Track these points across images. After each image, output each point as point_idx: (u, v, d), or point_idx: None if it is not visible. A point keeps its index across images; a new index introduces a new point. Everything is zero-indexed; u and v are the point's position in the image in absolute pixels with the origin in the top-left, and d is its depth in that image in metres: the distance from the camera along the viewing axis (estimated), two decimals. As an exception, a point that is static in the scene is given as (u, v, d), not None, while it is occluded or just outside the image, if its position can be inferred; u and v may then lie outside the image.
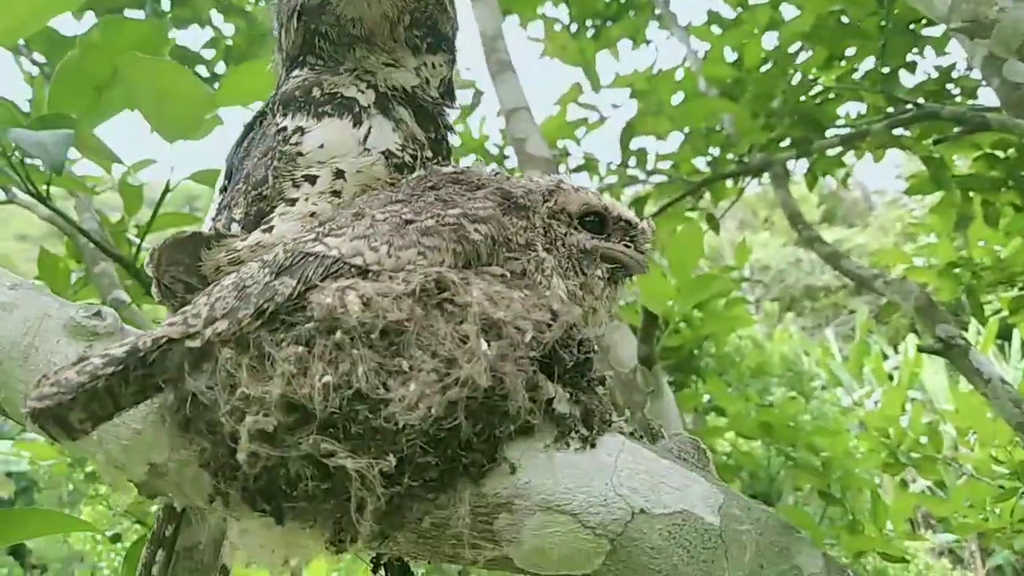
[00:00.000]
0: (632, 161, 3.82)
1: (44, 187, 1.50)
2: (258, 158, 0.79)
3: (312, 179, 0.76)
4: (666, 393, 1.98)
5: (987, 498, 3.87)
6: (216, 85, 3.89)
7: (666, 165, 4.03)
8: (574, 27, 4.26)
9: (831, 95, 3.39)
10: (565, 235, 0.74)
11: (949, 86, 3.83)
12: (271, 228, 0.73)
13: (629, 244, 0.78)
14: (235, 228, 0.76)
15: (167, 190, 1.50)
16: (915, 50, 3.60)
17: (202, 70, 3.61)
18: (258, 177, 0.77)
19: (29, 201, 1.88)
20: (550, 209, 0.75)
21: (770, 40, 3.80)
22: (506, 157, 3.72)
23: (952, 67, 3.79)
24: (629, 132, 3.48)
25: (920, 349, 2.62)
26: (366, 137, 0.77)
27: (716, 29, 4.47)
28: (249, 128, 0.86)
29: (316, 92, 0.79)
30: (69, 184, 1.63)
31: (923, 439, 4.31)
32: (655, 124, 3.48)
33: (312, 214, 0.74)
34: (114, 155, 1.46)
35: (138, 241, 2.13)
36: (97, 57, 1.42)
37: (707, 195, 3.70)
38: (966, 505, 4.04)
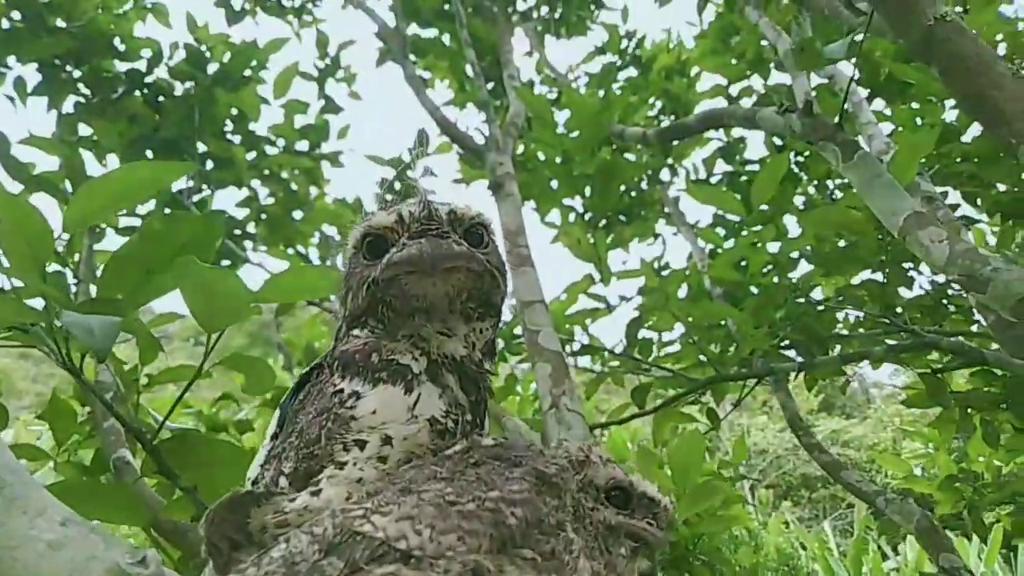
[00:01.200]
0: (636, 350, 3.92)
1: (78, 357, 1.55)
2: (313, 415, 0.84)
3: (362, 444, 0.80)
4: (664, 612, 1.93)
5: None
6: (247, 243, 4.09)
7: (668, 353, 4.13)
8: (587, 215, 4.52)
9: (831, 304, 3.53)
10: (592, 510, 0.77)
11: (944, 301, 3.98)
12: (319, 492, 0.77)
13: (652, 521, 0.81)
14: (283, 481, 0.80)
15: (198, 374, 1.55)
16: (910, 264, 3.80)
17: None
18: (311, 436, 0.81)
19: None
20: (579, 482, 0.79)
21: (774, 245, 4.03)
22: (517, 338, 3.81)
23: (948, 284, 3.96)
24: (636, 326, 3.59)
25: (922, 577, 2.57)
26: (415, 404, 0.83)
27: (720, 230, 4.74)
28: (306, 378, 0.92)
29: (375, 358, 0.85)
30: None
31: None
32: (660, 320, 3.60)
33: (359, 480, 0.78)
34: (157, 342, 1.53)
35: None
36: (154, 244, 1.52)
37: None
38: None
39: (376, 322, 0.89)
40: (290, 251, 4.12)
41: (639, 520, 0.81)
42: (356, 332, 0.90)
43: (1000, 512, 4.70)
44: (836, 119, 2.22)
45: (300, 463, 0.81)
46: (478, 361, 0.89)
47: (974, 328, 4.08)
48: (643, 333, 3.98)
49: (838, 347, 3.63)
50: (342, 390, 0.84)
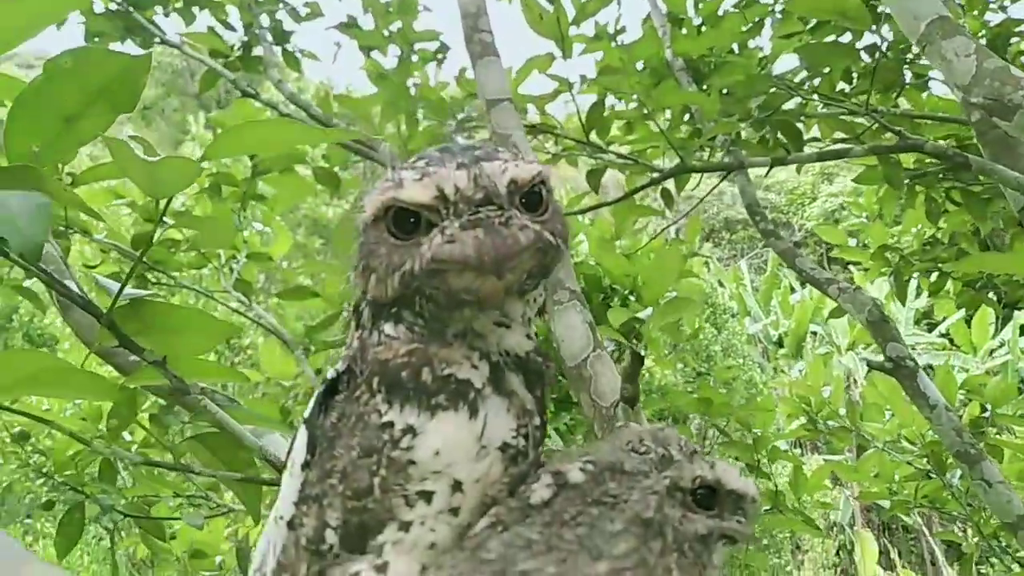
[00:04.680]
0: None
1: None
2: (358, 453, 0.68)
3: (428, 496, 0.66)
4: (645, 432, 1.99)
5: (893, 472, 4.20)
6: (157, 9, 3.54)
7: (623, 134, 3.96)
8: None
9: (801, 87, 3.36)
10: (682, 519, 0.69)
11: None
12: (385, 566, 0.64)
13: (741, 519, 0.74)
14: (329, 535, 0.67)
15: (151, 243, 1.34)
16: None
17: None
18: (361, 485, 0.67)
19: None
20: (665, 488, 0.70)
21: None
22: (471, 121, 3.56)
23: (908, 47, 3.78)
24: (598, 109, 3.37)
25: (870, 366, 2.73)
26: (483, 431, 0.68)
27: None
28: (332, 387, 0.75)
29: (426, 375, 0.69)
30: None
31: (842, 411, 4.59)
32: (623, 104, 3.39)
33: (431, 545, 0.65)
34: (90, 208, 1.29)
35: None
36: (66, 87, 1.23)
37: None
38: (872, 475, 4.37)
39: (413, 316, 0.72)
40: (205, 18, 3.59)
41: (729, 520, 0.74)
42: (388, 329, 0.72)
43: (921, 276, 5.01)
44: None
45: (350, 515, 0.67)
46: (541, 350, 0.74)
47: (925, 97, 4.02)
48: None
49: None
50: (391, 423, 0.68)
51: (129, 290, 1.42)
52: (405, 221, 0.69)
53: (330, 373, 0.76)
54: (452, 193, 0.67)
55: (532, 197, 0.71)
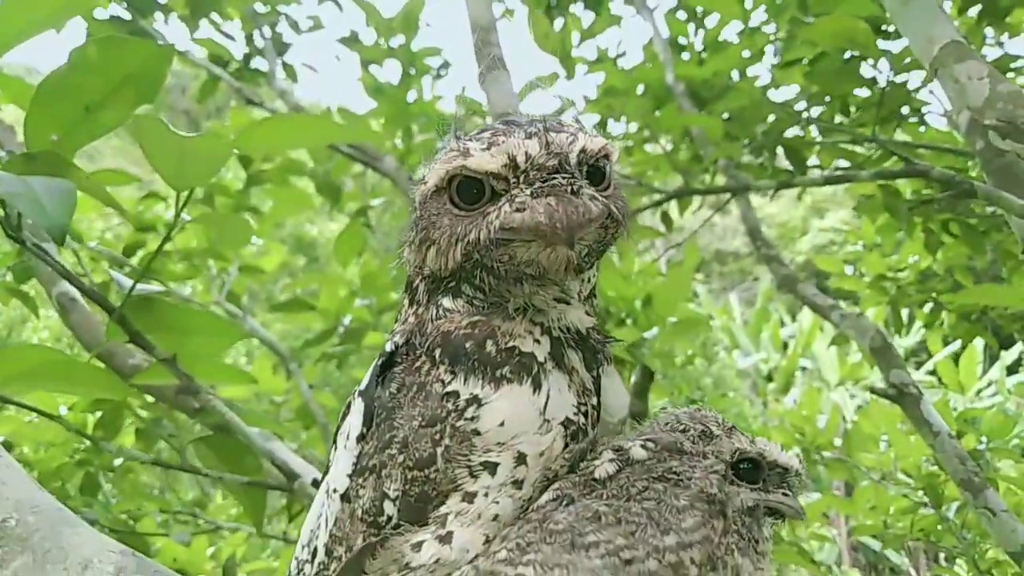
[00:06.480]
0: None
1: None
2: (420, 423, 0.66)
3: (492, 468, 0.64)
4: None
5: (890, 505, 4.15)
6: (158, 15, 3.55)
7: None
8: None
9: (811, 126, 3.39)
10: (727, 491, 0.69)
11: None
12: (449, 536, 0.62)
13: (787, 492, 0.73)
14: (388, 507, 0.65)
15: (169, 237, 1.32)
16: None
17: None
18: (423, 455, 0.65)
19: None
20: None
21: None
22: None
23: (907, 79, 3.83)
24: (600, 128, 3.38)
25: (873, 392, 2.72)
26: (546, 405, 0.67)
27: (682, 15, 4.39)
28: (389, 360, 0.73)
29: (491, 347, 0.67)
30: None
31: (837, 441, 4.56)
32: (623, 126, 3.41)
33: (495, 517, 0.63)
34: (111, 197, 1.27)
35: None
36: (90, 75, 1.22)
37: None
38: (868, 508, 4.32)
39: (473, 289, 0.70)
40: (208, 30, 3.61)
41: (774, 493, 0.73)
42: (447, 303, 0.71)
43: (916, 309, 5.02)
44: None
45: (410, 486, 0.65)
46: (600, 328, 0.73)
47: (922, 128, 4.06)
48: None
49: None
50: (456, 393, 0.66)
51: (141, 286, 1.40)
52: (469, 191, 0.68)
53: (387, 346, 0.74)
54: (523, 161, 0.66)
55: (596, 171, 0.70)
